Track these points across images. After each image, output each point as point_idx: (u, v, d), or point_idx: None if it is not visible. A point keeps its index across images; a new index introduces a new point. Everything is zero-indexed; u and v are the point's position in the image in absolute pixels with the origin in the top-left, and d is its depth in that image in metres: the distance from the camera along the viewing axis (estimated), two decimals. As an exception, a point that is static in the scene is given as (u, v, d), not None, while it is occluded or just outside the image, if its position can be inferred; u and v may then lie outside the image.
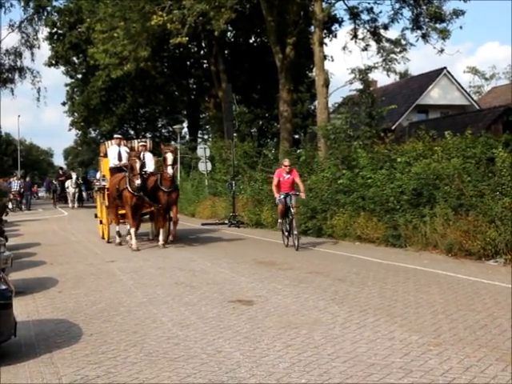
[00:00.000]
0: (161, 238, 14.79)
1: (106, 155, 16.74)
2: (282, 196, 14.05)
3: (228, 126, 22.92)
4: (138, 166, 14.15)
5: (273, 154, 24.82)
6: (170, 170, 14.37)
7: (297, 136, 34.48)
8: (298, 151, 23.04)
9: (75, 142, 69.37)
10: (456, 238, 11.86)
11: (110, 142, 17.18)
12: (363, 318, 7.21)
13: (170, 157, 14.42)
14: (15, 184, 37.72)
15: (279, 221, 14.58)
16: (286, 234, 14.27)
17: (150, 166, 15.66)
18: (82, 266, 12.06)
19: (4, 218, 17.80)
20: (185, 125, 46.37)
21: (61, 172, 40.49)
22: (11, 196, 35.35)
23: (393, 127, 30.23)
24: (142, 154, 15.15)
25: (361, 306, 7.84)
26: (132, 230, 14.52)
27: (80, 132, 50.24)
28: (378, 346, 6.06)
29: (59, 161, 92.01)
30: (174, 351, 6.10)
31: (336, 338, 6.35)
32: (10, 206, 34.27)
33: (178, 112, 46.71)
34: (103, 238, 16.85)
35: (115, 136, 16.94)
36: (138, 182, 14.00)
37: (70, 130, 48.15)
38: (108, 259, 12.80)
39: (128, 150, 16.12)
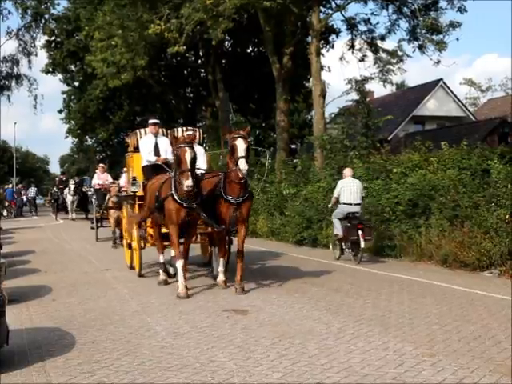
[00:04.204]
0: (220, 270, 10.20)
1: (136, 149, 12.08)
2: None
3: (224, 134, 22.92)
4: (188, 157, 9.04)
5: (269, 163, 24.83)
6: (243, 166, 9.13)
7: (293, 146, 34.54)
8: (295, 161, 23.07)
9: (71, 149, 69.35)
10: (451, 249, 11.86)
11: (142, 130, 12.37)
12: (357, 328, 7.20)
13: (241, 145, 9.27)
14: (32, 191, 37.95)
15: None
16: None
17: (202, 163, 10.79)
18: (77, 274, 12.03)
19: (-1, 225, 17.80)
20: (181, 133, 46.38)
21: (63, 178, 35.40)
22: (6, 203, 35.32)
23: (389, 138, 30.29)
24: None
25: (355, 316, 7.83)
26: (180, 264, 9.44)
27: (76, 140, 50.17)
28: (372, 356, 6.06)
29: (55, 168, 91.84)
30: (167, 360, 6.08)
31: (330, 349, 6.34)
32: (5, 213, 34.23)
33: (174, 121, 46.63)
34: (132, 268, 12.26)
35: (151, 121, 11.64)
36: (187, 182, 8.85)
37: (66, 137, 48.10)
38: (103, 268, 12.76)
39: (168, 141, 11.24)
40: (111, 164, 40.15)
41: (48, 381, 5.61)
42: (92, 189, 22.07)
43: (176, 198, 9.32)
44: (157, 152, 11.21)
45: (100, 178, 20.94)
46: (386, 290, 9.71)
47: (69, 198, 30.51)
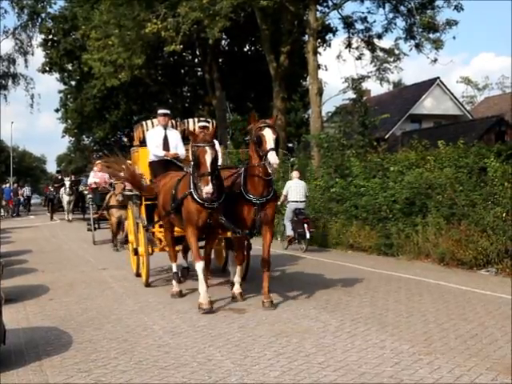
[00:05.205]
0: (236, 280, 9.02)
1: (142, 143, 10.91)
2: None
3: (222, 133, 22.90)
4: (209, 159, 7.98)
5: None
6: (273, 159, 7.89)
7: (290, 144, 34.54)
8: (292, 160, 23.07)
9: (68, 148, 69.25)
10: (448, 247, 11.89)
11: (149, 121, 11.22)
12: (354, 326, 7.20)
13: (269, 135, 8.05)
14: (27, 190, 37.79)
15: None
16: None
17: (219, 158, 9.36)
18: (74, 273, 12.02)
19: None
20: (179, 132, 46.27)
21: (59, 177, 32.37)
22: (3, 203, 35.18)
23: (386, 136, 30.30)
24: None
25: (352, 314, 7.84)
26: (200, 267, 8.36)
27: (73, 139, 50.16)
28: (369, 354, 6.06)
29: (52, 168, 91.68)
30: (164, 359, 6.08)
31: (327, 347, 6.35)
32: (3, 212, 34.11)
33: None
34: (138, 275, 11.06)
35: (160, 112, 10.51)
36: (207, 188, 7.85)
37: (63, 136, 48.13)
38: (100, 267, 12.74)
39: (179, 134, 10.44)
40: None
41: (45, 380, 5.61)
42: (88, 188, 20.54)
43: (196, 197, 8.27)
44: (166, 146, 10.12)
45: (97, 176, 19.55)
46: (383, 288, 9.71)
47: (65, 198, 28.36)
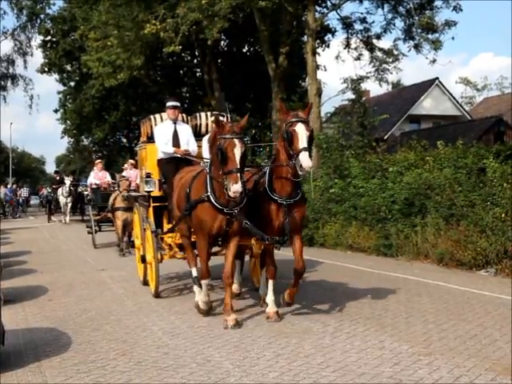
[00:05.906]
0: (271, 301, 7.83)
1: (150, 139, 9.93)
2: None
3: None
4: (238, 153, 6.87)
5: (266, 162, 24.75)
6: (306, 162, 7.00)
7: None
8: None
9: (67, 149, 69.29)
10: (447, 247, 11.89)
11: (157, 115, 10.25)
12: (353, 327, 7.20)
13: (302, 132, 7.09)
14: (25, 190, 37.82)
15: None
16: None
17: None
18: (73, 274, 12.01)
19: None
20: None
21: (58, 177, 31.02)
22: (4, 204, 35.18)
23: (385, 137, 30.32)
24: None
25: (351, 315, 7.83)
26: (205, 283, 7.93)
27: (72, 140, 50.20)
28: (368, 355, 6.06)
29: (51, 168, 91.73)
30: (163, 360, 6.08)
31: (326, 348, 6.35)
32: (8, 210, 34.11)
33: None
34: (145, 284, 10.17)
35: (170, 104, 9.45)
36: (236, 187, 6.73)
37: (62, 137, 48.23)
38: (99, 268, 12.73)
39: (190, 129, 9.58)
40: (107, 164, 40.01)
41: (44, 381, 5.61)
42: (88, 189, 19.96)
43: (213, 201, 7.21)
44: (176, 142, 9.16)
45: (97, 176, 19.00)
46: (382, 288, 9.70)
47: (61, 200, 27.37)
